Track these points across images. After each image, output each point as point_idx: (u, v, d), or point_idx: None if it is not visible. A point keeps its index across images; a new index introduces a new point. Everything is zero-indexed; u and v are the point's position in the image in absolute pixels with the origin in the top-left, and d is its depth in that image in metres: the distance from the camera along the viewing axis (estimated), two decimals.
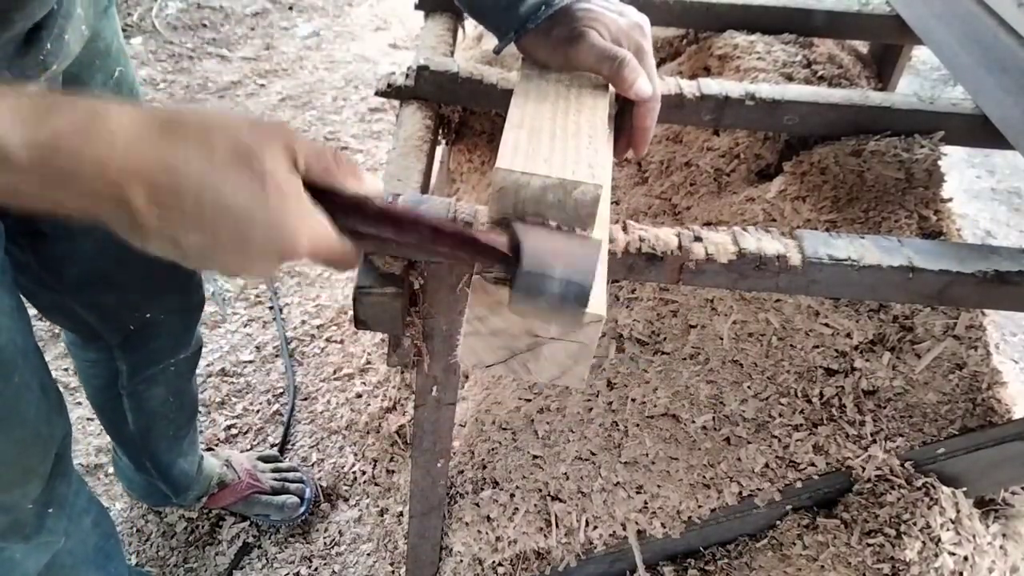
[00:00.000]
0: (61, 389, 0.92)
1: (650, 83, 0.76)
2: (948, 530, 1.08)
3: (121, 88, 0.92)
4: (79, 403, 1.67)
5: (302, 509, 1.49)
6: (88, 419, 1.66)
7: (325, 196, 0.53)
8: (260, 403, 1.73)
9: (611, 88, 0.79)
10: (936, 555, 1.06)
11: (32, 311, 0.89)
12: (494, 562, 1.21)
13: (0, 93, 0.42)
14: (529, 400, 1.28)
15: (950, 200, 1.15)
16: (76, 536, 1.03)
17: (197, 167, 0.45)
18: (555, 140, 0.65)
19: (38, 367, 0.85)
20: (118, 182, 0.44)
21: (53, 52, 0.68)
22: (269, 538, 1.50)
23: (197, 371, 1.35)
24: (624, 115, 0.80)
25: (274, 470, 1.54)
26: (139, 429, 1.28)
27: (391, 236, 0.55)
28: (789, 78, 1.28)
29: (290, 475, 1.53)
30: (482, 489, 1.26)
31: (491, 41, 0.85)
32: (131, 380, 1.20)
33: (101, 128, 0.43)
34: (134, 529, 1.49)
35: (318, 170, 0.52)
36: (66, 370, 1.73)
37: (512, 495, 1.24)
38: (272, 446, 1.65)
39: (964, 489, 1.12)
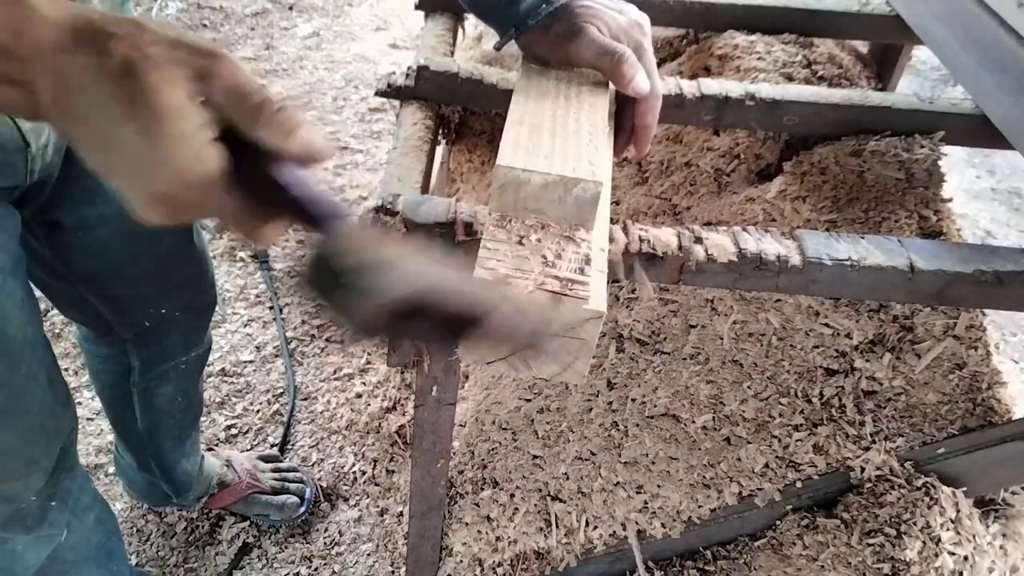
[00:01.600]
0: None
1: (648, 80, 0.76)
2: (948, 530, 1.08)
3: None
4: (79, 403, 1.67)
5: (302, 509, 1.49)
6: (88, 419, 1.66)
7: (248, 147, 0.47)
8: (260, 403, 1.73)
9: (611, 86, 0.79)
10: (936, 555, 1.06)
11: (43, 306, 0.90)
12: (494, 562, 1.21)
13: None
14: (529, 400, 1.28)
15: (950, 200, 1.15)
16: (79, 532, 1.03)
17: (90, 72, 0.43)
18: (555, 138, 0.65)
19: (46, 359, 0.86)
20: (30, 76, 0.43)
21: None
22: (269, 538, 1.50)
23: None
24: (624, 113, 0.80)
25: (274, 470, 1.54)
26: (146, 427, 1.28)
27: (282, 213, 0.48)
28: (789, 78, 1.28)
29: (290, 475, 1.53)
30: (482, 489, 1.26)
31: (491, 41, 0.85)
32: (143, 376, 1.21)
33: (23, 19, 0.43)
34: (134, 529, 1.49)
35: (232, 109, 0.46)
36: (66, 370, 1.73)
37: (512, 495, 1.24)
38: (272, 446, 1.65)
39: (964, 489, 1.12)
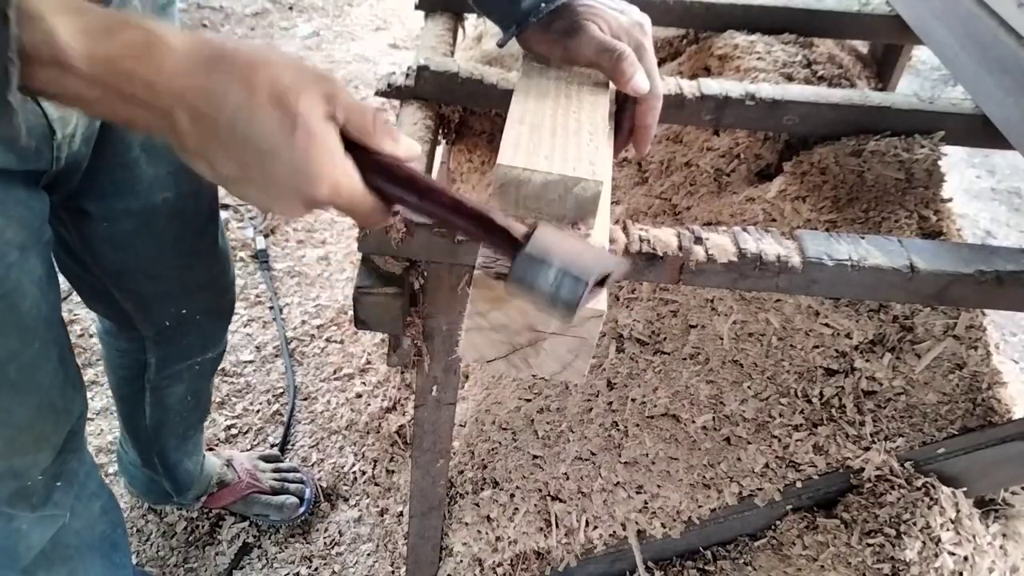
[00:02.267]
0: None
1: (648, 79, 0.76)
2: (948, 530, 1.08)
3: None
4: None
5: (302, 509, 1.49)
6: (89, 419, 1.65)
7: (361, 152, 0.55)
8: (260, 403, 1.73)
9: (611, 86, 0.79)
10: (936, 555, 1.06)
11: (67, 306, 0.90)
12: (494, 562, 1.21)
13: (74, 7, 0.47)
14: (529, 400, 1.28)
15: (950, 200, 1.15)
16: (84, 518, 1.04)
17: (235, 100, 0.49)
18: (556, 137, 0.65)
19: (60, 339, 0.87)
20: (166, 104, 0.49)
21: None
22: (269, 538, 1.50)
23: None
24: (624, 113, 0.80)
25: (275, 470, 1.54)
26: (154, 424, 1.29)
27: (414, 201, 0.57)
28: (789, 78, 1.28)
29: (290, 475, 1.53)
30: (482, 489, 1.26)
31: (491, 41, 0.85)
32: (158, 374, 1.21)
33: (155, 53, 0.48)
34: (134, 529, 1.49)
35: (356, 125, 0.54)
36: None
37: (512, 495, 1.24)
38: (272, 446, 1.65)
39: (964, 489, 1.12)
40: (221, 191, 1.10)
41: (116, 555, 1.14)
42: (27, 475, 0.88)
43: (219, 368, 1.69)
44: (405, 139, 0.58)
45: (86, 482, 1.03)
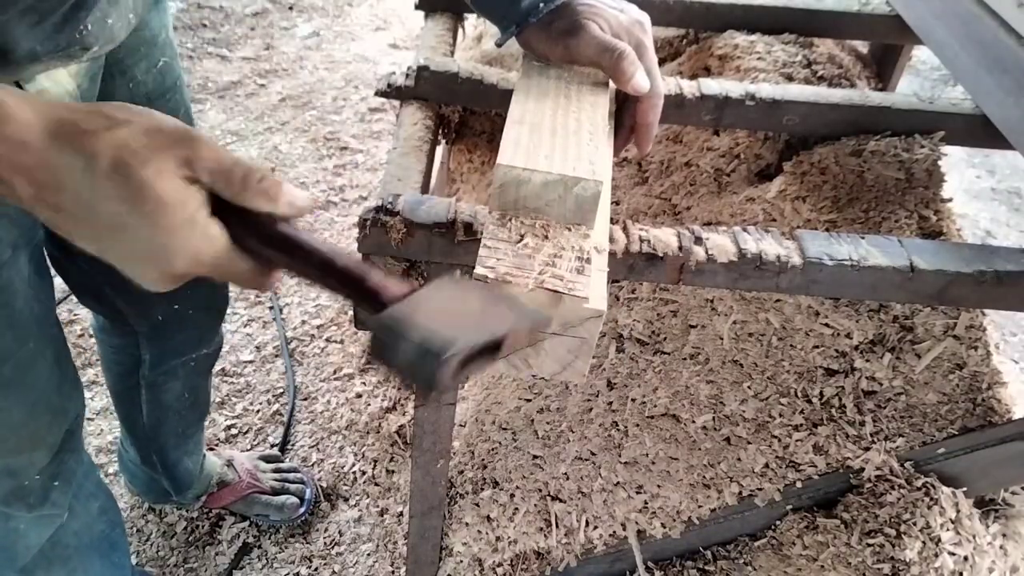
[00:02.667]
0: None
1: (648, 78, 0.76)
2: (948, 530, 1.08)
3: (165, 79, 0.93)
4: None
5: (302, 510, 1.49)
6: (88, 419, 1.66)
7: (236, 212, 0.51)
8: (260, 403, 1.73)
9: (611, 85, 0.79)
10: (936, 555, 1.06)
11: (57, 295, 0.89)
12: (494, 562, 1.21)
13: None
14: (529, 400, 1.28)
15: (950, 200, 1.15)
16: (82, 518, 1.03)
17: (76, 172, 0.46)
18: (556, 137, 0.65)
19: (55, 339, 0.86)
20: (5, 174, 0.46)
21: (94, 34, 0.68)
22: (269, 538, 1.50)
23: None
24: (625, 112, 0.80)
25: (275, 470, 1.54)
26: (151, 422, 1.29)
27: (286, 261, 0.53)
28: (789, 78, 1.28)
29: (291, 475, 1.54)
30: (482, 489, 1.26)
31: (491, 41, 0.85)
32: (152, 370, 1.21)
33: None
34: (134, 529, 1.49)
35: (221, 186, 0.50)
36: None
37: (512, 495, 1.24)
38: (272, 446, 1.65)
39: (964, 489, 1.12)
40: None
41: (115, 555, 1.14)
42: (24, 475, 0.88)
43: (219, 368, 1.69)
44: (289, 194, 0.52)
45: (84, 482, 1.03)
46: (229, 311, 1.91)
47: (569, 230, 0.61)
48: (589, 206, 0.61)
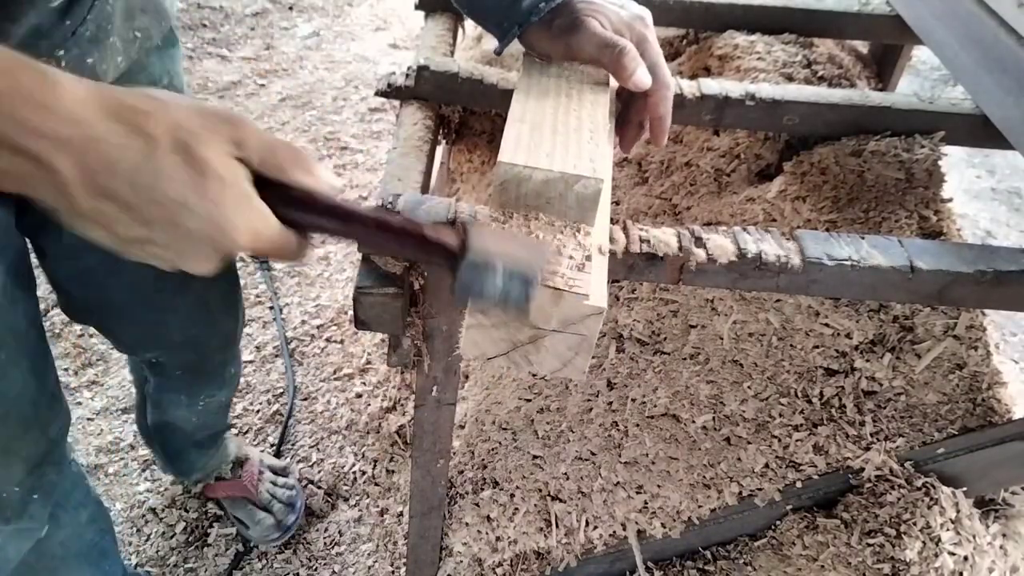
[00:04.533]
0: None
1: (653, 72, 0.76)
2: (948, 530, 1.08)
3: None
4: (78, 403, 1.67)
5: (276, 535, 1.47)
6: (88, 419, 1.66)
7: (274, 188, 0.53)
8: (260, 403, 1.73)
9: (612, 84, 0.79)
10: (936, 555, 1.06)
11: (43, 306, 0.88)
12: (494, 562, 1.21)
13: None
14: (529, 400, 1.28)
15: (950, 200, 1.15)
16: (69, 528, 1.02)
17: (133, 154, 0.45)
18: (556, 135, 0.65)
19: (32, 351, 0.84)
20: (45, 150, 0.43)
21: (70, 68, 0.68)
22: None
23: None
24: (633, 107, 0.80)
25: (272, 482, 1.52)
26: (155, 424, 1.29)
27: (338, 227, 0.55)
28: (789, 78, 1.28)
29: (280, 492, 1.51)
30: (482, 489, 1.26)
31: (491, 41, 0.85)
32: (155, 392, 1.21)
33: (45, 93, 0.43)
34: (134, 529, 1.49)
35: (268, 163, 0.52)
36: (65, 370, 1.73)
37: (512, 495, 1.24)
38: (272, 446, 1.65)
39: (964, 489, 1.12)
40: None
41: (105, 562, 1.13)
42: None
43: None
44: (321, 170, 0.55)
45: (72, 492, 1.01)
46: None
47: (570, 228, 0.61)
48: (590, 204, 0.61)
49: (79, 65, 0.69)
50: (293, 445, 1.66)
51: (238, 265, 2.04)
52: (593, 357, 1.25)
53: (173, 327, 1.02)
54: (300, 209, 0.54)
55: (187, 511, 1.51)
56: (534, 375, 1.29)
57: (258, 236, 0.51)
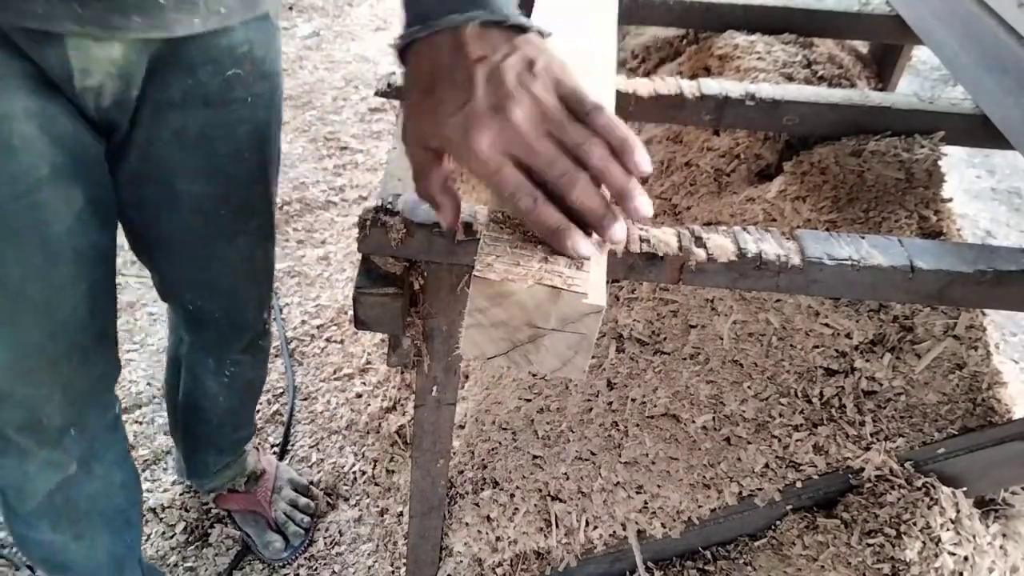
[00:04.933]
0: None
1: (624, 225, 0.55)
2: (948, 530, 1.08)
3: (232, 90, 0.87)
4: None
5: (284, 554, 1.45)
6: None
7: None
8: (260, 403, 1.73)
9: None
10: (936, 555, 1.06)
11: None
12: (494, 562, 1.21)
13: None
14: (529, 400, 1.28)
15: (950, 200, 1.15)
16: (98, 484, 1.04)
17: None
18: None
19: (94, 282, 0.87)
20: None
21: (133, 5, 0.71)
22: None
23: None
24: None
25: (290, 502, 1.50)
26: (184, 409, 1.31)
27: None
28: (789, 78, 1.28)
29: (298, 516, 1.49)
30: (482, 489, 1.26)
31: None
32: (189, 355, 1.23)
33: None
34: None
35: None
36: None
37: (512, 495, 1.24)
38: (272, 446, 1.65)
39: (964, 489, 1.12)
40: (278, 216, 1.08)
41: (128, 534, 1.14)
42: (39, 410, 0.90)
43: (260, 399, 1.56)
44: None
45: (109, 447, 1.04)
46: None
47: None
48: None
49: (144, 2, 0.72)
50: (293, 445, 1.66)
51: None
52: (593, 357, 1.25)
53: (218, 272, 1.05)
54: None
55: (187, 511, 1.51)
56: (534, 375, 1.29)
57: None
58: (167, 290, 1.11)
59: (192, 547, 1.47)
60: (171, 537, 1.48)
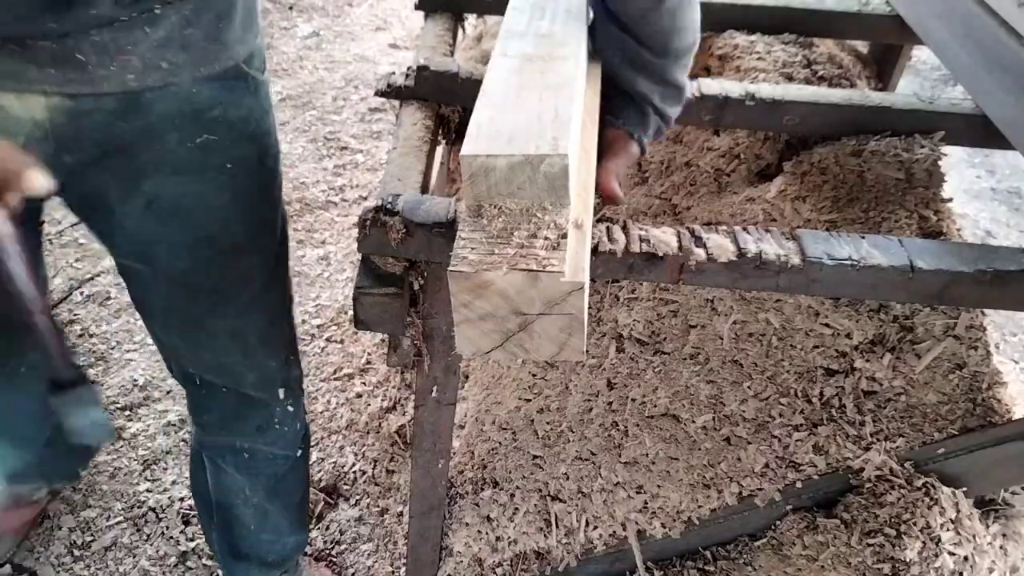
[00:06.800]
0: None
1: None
2: (948, 530, 1.08)
3: (207, 157, 0.80)
4: None
5: None
6: None
7: None
8: None
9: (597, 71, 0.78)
10: (936, 555, 1.06)
11: None
12: (494, 562, 1.21)
13: None
14: (529, 400, 1.28)
15: (950, 200, 1.15)
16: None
17: None
18: (520, 113, 0.62)
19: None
20: None
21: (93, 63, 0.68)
22: None
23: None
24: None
25: None
26: (218, 508, 1.18)
27: None
28: (789, 78, 1.28)
29: None
30: (482, 489, 1.26)
31: (491, 41, 0.84)
32: (199, 439, 1.13)
33: None
34: (135, 528, 1.49)
35: None
36: None
37: (512, 495, 1.24)
38: None
39: (964, 489, 1.12)
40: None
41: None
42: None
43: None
44: (28, 178, 0.59)
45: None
46: None
47: (546, 208, 0.59)
48: (560, 182, 0.59)
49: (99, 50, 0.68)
50: None
51: None
52: (593, 357, 1.25)
53: (205, 347, 0.97)
54: None
55: (187, 510, 1.51)
56: (534, 375, 1.29)
57: None
58: (169, 362, 1.04)
59: (192, 546, 1.47)
60: (171, 537, 1.48)
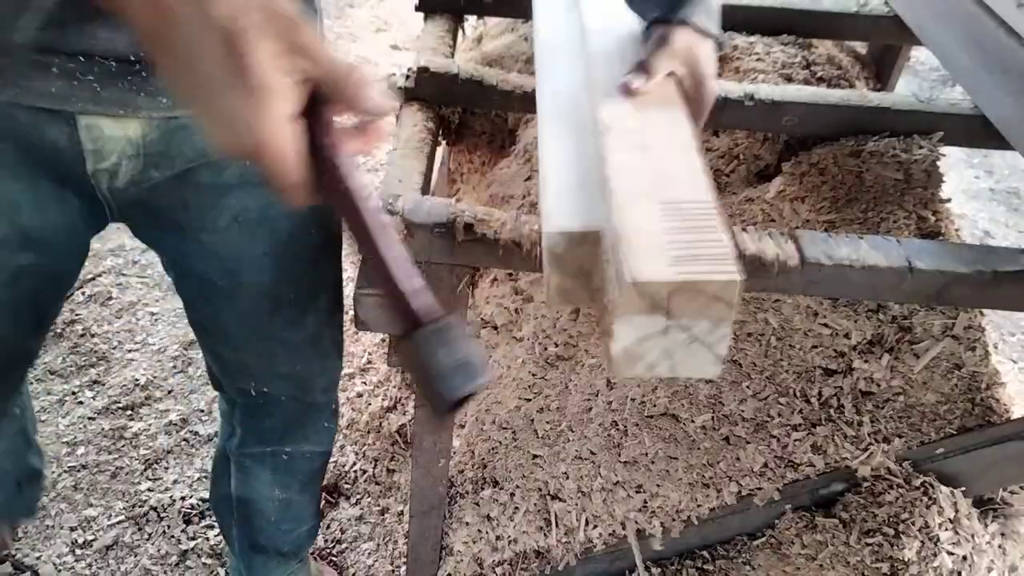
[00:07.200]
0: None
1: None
2: (947, 529, 1.08)
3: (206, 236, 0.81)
4: (80, 402, 1.68)
5: None
6: (90, 418, 1.66)
7: (318, 117, 0.51)
8: None
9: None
10: (935, 554, 1.06)
11: None
12: (494, 561, 1.21)
13: None
14: (529, 400, 1.29)
15: (949, 200, 1.16)
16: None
17: (185, 24, 0.44)
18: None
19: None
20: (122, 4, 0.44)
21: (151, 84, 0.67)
22: None
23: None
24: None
25: None
26: (239, 499, 1.17)
27: (346, 219, 0.53)
28: (788, 79, 1.28)
29: None
30: (482, 489, 1.26)
31: (491, 43, 0.85)
32: (239, 448, 1.12)
33: None
34: (136, 527, 1.49)
35: (320, 78, 0.51)
36: (67, 369, 1.73)
37: (512, 494, 1.24)
38: None
39: (963, 489, 1.13)
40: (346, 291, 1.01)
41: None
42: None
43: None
44: (377, 94, 0.55)
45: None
46: None
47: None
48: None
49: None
50: None
51: None
52: (593, 357, 1.26)
53: (281, 360, 0.97)
54: (323, 173, 0.51)
55: (188, 510, 1.52)
56: (534, 374, 1.30)
57: (263, 149, 0.48)
58: (230, 380, 1.02)
59: (193, 545, 1.48)
60: (172, 536, 1.49)
